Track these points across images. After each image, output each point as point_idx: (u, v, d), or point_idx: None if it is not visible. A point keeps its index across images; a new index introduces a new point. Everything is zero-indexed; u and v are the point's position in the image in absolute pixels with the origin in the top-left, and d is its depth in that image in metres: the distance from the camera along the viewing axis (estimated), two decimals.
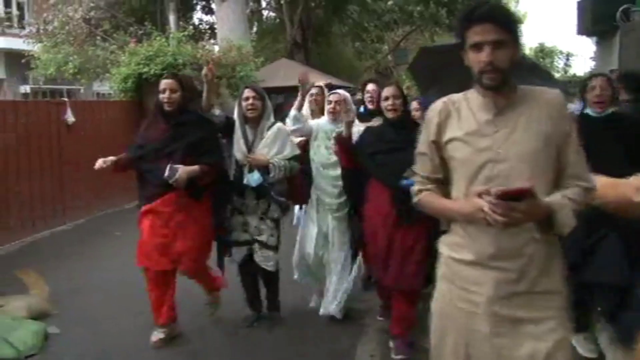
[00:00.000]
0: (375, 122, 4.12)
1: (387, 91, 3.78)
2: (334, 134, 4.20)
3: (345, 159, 4.00)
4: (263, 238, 4.13)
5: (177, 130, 3.86)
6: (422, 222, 3.35)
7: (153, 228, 3.89)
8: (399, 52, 21.91)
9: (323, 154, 4.34)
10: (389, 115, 3.76)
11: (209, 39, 17.97)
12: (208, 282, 4.34)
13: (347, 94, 4.54)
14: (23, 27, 19.65)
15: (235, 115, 4.16)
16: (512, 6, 34.29)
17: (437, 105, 1.99)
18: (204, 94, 4.11)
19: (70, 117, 7.85)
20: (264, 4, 20.26)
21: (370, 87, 4.90)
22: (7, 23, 19.12)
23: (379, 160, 3.74)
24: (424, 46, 6.22)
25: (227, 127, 4.13)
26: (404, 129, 3.69)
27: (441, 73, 4.79)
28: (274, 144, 4.10)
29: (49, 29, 14.24)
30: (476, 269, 1.87)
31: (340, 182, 4.24)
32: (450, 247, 1.98)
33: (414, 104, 5.01)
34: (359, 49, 19.80)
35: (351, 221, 4.27)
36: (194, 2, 18.17)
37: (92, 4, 14.12)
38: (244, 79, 9.59)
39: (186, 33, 9.92)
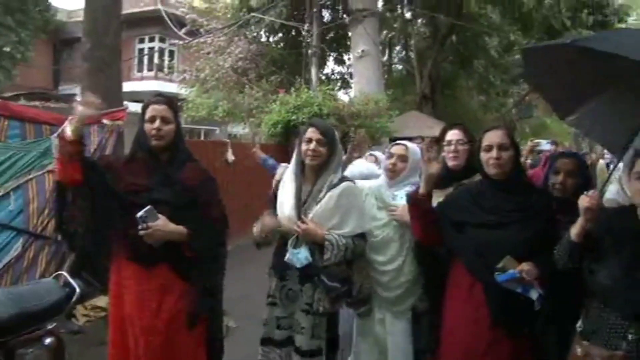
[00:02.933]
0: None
1: (493, 136, 2.68)
2: (391, 200, 3.22)
3: (419, 230, 2.86)
4: (298, 339, 3.00)
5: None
6: (526, 336, 2.58)
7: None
8: (524, 107, 21.93)
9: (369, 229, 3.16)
10: (492, 170, 2.65)
11: (340, 88, 19.20)
12: None
13: (418, 150, 3.32)
14: (172, 73, 22.12)
15: (292, 161, 3.17)
16: None
17: None
18: None
19: (231, 156, 8.96)
20: (395, 59, 21.31)
21: (453, 135, 3.25)
22: (166, 71, 21.64)
23: (469, 236, 2.67)
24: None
25: None
26: (512, 193, 2.66)
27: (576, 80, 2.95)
28: (335, 212, 2.97)
29: (201, 76, 16.03)
30: None
31: (392, 267, 3.13)
32: None
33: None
34: (484, 102, 20.12)
35: (419, 321, 3.16)
36: (328, 53, 19.46)
37: (240, 55, 15.66)
38: (382, 129, 10.41)
39: (330, 87, 10.93)
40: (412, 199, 2.80)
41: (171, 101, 2.98)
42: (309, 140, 3.00)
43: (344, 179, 3.11)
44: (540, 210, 2.62)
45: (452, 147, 3.18)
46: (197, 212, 2.85)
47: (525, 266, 2.46)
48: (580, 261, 2.38)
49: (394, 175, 3.26)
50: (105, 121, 5.23)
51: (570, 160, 3.03)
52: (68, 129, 2.70)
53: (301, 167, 3.09)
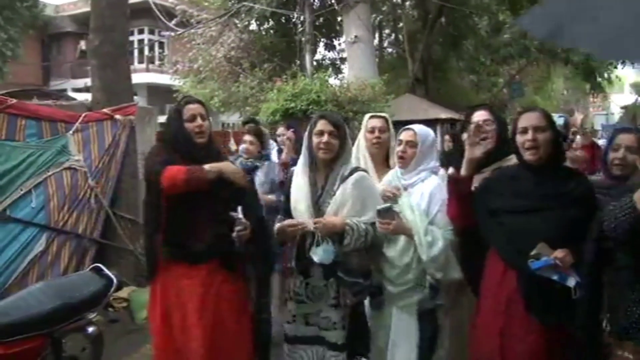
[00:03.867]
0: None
1: (529, 118, 2.56)
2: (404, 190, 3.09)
3: (455, 210, 2.80)
4: (332, 336, 2.95)
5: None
6: (562, 326, 2.41)
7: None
8: (515, 86, 22.09)
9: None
10: (527, 154, 2.53)
11: (331, 74, 19.24)
12: None
13: (430, 132, 3.24)
14: (163, 65, 22.10)
15: (303, 154, 3.09)
16: None
17: None
18: None
19: (233, 145, 9.07)
20: (385, 42, 21.39)
21: (480, 116, 3.11)
22: (157, 63, 21.62)
23: (501, 222, 2.59)
24: None
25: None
26: (548, 177, 2.54)
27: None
28: (351, 202, 2.92)
29: (194, 67, 16.05)
30: None
31: (402, 262, 3.01)
32: None
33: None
34: (475, 82, 20.29)
35: (428, 318, 3.02)
36: (318, 39, 19.48)
37: (232, 45, 15.68)
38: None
39: (327, 74, 11.03)
40: (453, 178, 2.78)
41: (200, 100, 3.17)
42: (321, 133, 2.93)
43: (356, 169, 3.04)
44: (579, 197, 2.46)
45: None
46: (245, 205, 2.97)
47: (559, 253, 2.34)
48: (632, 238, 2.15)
49: (405, 162, 3.12)
50: (117, 117, 5.36)
51: (632, 135, 2.80)
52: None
53: (312, 160, 3.01)
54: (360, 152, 3.50)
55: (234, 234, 2.83)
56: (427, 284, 2.98)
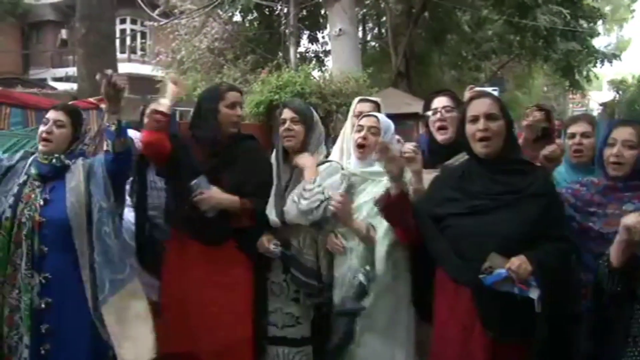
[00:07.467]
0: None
1: (479, 105, 2.28)
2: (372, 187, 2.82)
3: (403, 234, 2.52)
4: (293, 332, 2.88)
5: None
6: (522, 341, 2.14)
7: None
8: (496, 81, 22.26)
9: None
10: (478, 146, 2.25)
11: (315, 67, 19.25)
12: None
13: (391, 123, 2.99)
14: (145, 54, 21.91)
15: (275, 145, 3.07)
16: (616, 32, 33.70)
17: None
18: None
19: None
20: (369, 36, 21.41)
21: (439, 102, 2.93)
22: (140, 53, 21.42)
23: (451, 225, 2.26)
24: None
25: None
26: (503, 173, 2.26)
27: None
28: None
29: (177, 58, 15.96)
30: None
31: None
32: None
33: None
34: (457, 77, 20.44)
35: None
36: (302, 31, 19.45)
37: (216, 36, 15.62)
38: None
39: (311, 67, 11.05)
40: (383, 204, 2.43)
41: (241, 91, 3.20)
42: (284, 122, 2.92)
43: (327, 160, 2.95)
44: (539, 193, 2.20)
45: (438, 116, 2.80)
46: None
47: (515, 261, 2.05)
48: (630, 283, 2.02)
49: (365, 151, 2.85)
50: (103, 106, 5.33)
51: (629, 127, 2.40)
52: (165, 101, 2.85)
53: (283, 151, 2.96)
54: (345, 139, 3.22)
55: (195, 199, 2.76)
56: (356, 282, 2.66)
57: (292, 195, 2.79)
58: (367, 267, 2.63)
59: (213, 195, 2.78)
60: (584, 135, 2.87)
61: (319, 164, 2.88)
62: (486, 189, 2.23)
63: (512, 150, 2.31)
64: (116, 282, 2.62)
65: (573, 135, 2.89)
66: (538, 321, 2.07)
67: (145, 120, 2.98)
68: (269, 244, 2.85)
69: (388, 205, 2.40)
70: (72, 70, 17.79)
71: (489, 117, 2.23)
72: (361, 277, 2.60)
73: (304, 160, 2.84)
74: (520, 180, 2.23)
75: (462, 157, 2.65)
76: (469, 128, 2.27)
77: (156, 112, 2.83)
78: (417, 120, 13.70)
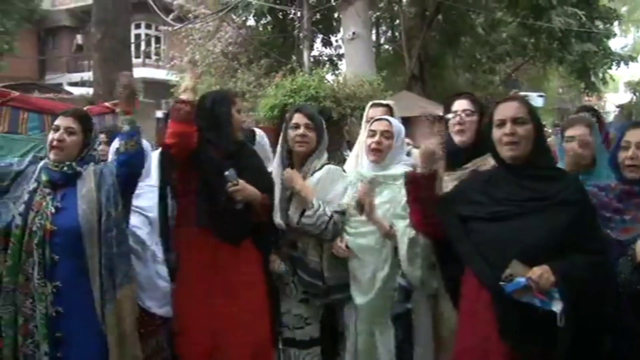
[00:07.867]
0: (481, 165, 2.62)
1: (506, 109, 2.22)
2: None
3: (419, 218, 2.47)
4: (301, 334, 2.93)
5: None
6: (544, 352, 2.01)
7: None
8: (511, 84, 22.17)
9: (352, 223, 2.90)
10: (505, 150, 2.18)
11: (328, 71, 19.27)
12: None
13: (402, 127, 3.04)
14: (159, 59, 22.05)
15: (278, 148, 3.13)
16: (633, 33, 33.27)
17: None
18: None
19: None
20: (382, 39, 21.39)
21: (459, 105, 2.87)
22: (155, 58, 21.59)
23: (475, 230, 2.21)
24: None
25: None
26: (530, 179, 2.17)
27: None
28: (317, 189, 2.89)
29: (192, 61, 16.03)
30: None
31: (369, 271, 2.81)
32: None
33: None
34: (472, 80, 20.33)
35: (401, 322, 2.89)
36: (315, 35, 19.47)
37: (230, 40, 15.68)
38: None
39: (325, 70, 11.05)
40: (410, 177, 2.44)
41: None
42: (297, 126, 2.94)
43: (327, 163, 3.00)
44: (569, 200, 2.10)
45: (457, 119, 2.74)
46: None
47: (536, 271, 1.96)
48: None
49: (380, 155, 2.90)
50: (118, 110, 5.37)
51: None
52: (187, 94, 2.82)
53: (288, 154, 3.01)
54: (359, 145, 3.24)
55: (231, 189, 2.79)
56: (397, 287, 2.82)
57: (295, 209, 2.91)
58: (406, 267, 2.72)
59: (246, 185, 2.81)
60: (581, 138, 2.85)
61: (318, 169, 2.96)
62: (512, 195, 2.15)
63: (541, 155, 2.21)
64: (116, 287, 2.65)
65: (571, 139, 2.86)
66: (560, 335, 1.95)
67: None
68: (274, 264, 2.96)
69: (414, 181, 2.41)
70: (87, 75, 18.00)
71: (515, 121, 2.16)
72: (401, 281, 2.74)
73: (293, 182, 2.87)
74: (548, 186, 2.14)
75: (479, 161, 2.67)
76: (496, 132, 2.21)
77: (181, 101, 2.83)
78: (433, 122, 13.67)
